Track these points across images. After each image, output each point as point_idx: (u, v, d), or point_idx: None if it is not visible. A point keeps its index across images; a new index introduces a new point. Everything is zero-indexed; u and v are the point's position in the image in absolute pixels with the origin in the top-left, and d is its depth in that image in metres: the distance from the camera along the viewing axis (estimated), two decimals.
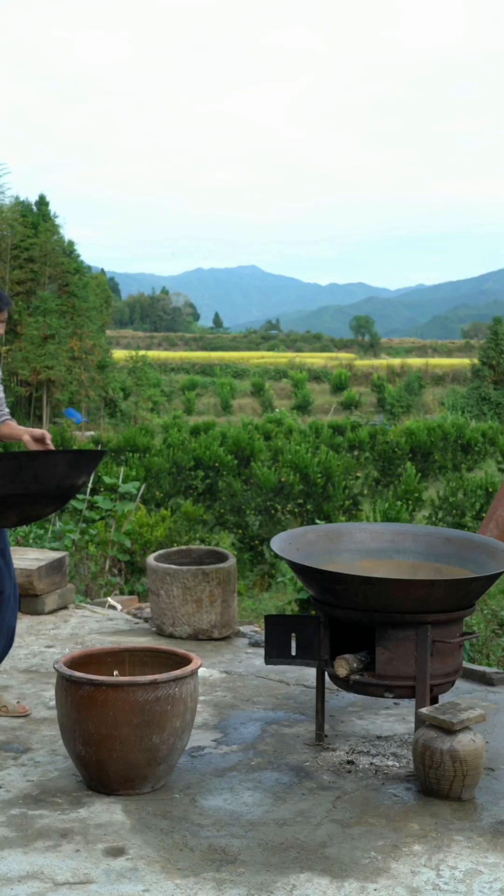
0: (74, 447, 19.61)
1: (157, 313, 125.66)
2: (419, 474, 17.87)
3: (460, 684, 4.72)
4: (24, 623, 5.74)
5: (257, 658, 5.21)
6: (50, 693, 4.54)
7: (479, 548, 4.06)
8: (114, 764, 3.28)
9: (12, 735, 3.97)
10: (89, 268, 49.11)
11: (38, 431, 4.01)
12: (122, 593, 7.83)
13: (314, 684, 4.20)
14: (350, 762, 3.70)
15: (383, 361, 66.26)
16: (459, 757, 3.28)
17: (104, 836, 3.01)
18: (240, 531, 14.33)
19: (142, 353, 51.90)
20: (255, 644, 5.48)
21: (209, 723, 4.16)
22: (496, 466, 23.54)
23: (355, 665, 3.63)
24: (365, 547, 4.25)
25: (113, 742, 3.25)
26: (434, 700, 3.84)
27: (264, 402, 51.23)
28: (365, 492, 19.20)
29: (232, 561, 5.57)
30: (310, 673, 4.81)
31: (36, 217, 43.80)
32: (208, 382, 56.73)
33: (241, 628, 5.78)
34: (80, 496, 8.89)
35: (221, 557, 5.67)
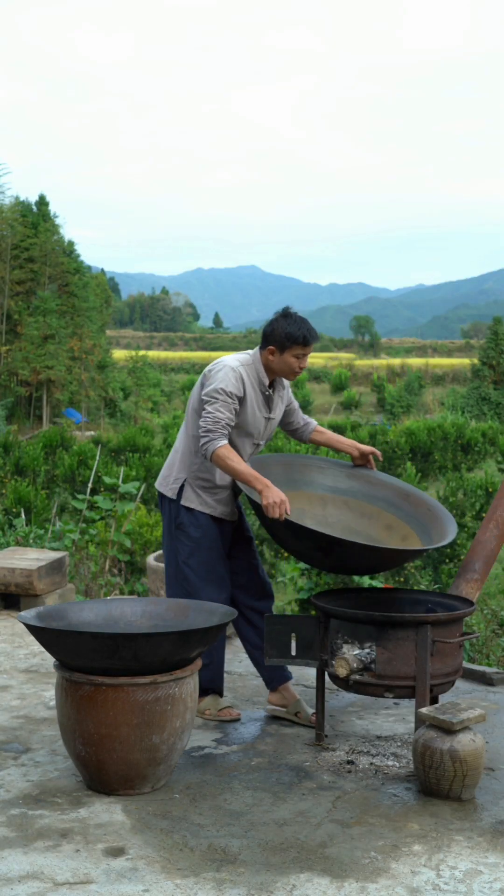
0: (74, 447, 19.57)
1: (157, 313, 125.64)
2: (419, 474, 17.84)
3: (460, 684, 4.72)
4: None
5: None
6: (50, 693, 4.54)
7: (432, 513, 4.30)
8: (114, 764, 3.28)
9: (12, 735, 3.97)
10: (89, 268, 49.11)
11: (366, 448, 4.45)
12: (122, 593, 7.83)
13: (314, 684, 4.20)
14: (350, 762, 3.70)
15: (383, 361, 66.24)
16: (459, 757, 3.28)
17: (104, 836, 3.01)
18: None
19: (142, 353, 51.87)
20: None
21: (209, 723, 4.15)
22: (496, 466, 23.53)
23: (355, 665, 3.63)
24: (327, 484, 4.44)
25: (113, 742, 3.25)
26: (434, 700, 3.84)
27: None
28: None
29: None
30: (310, 673, 4.81)
31: (36, 217, 43.79)
32: None
33: None
34: (79, 496, 8.88)
35: None
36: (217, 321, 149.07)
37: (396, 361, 63.86)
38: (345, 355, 76.18)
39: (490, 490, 14.65)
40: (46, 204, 44.74)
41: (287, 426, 4.43)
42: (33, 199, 45.57)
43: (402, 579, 11.33)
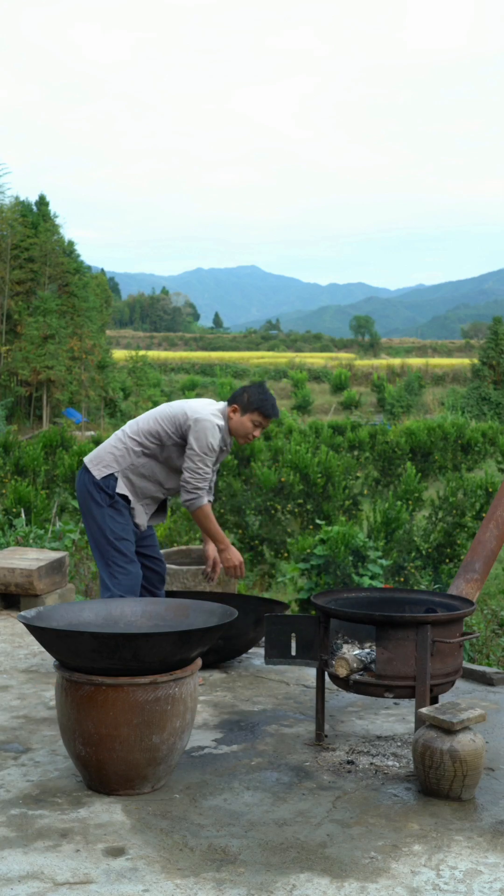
0: (74, 447, 19.55)
1: (157, 313, 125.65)
2: (419, 474, 17.84)
3: (460, 684, 4.73)
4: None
5: (257, 658, 5.21)
6: (50, 693, 4.54)
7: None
8: (114, 764, 3.28)
9: (12, 735, 3.97)
10: (89, 268, 49.10)
11: (212, 556, 4.86)
12: None
13: (314, 684, 4.20)
14: (350, 762, 3.70)
15: (383, 361, 66.23)
16: (459, 757, 3.28)
17: (104, 836, 3.01)
18: (239, 531, 14.33)
19: (142, 353, 51.85)
20: None
21: (209, 723, 4.16)
22: (496, 466, 23.53)
23: (355, 665, 3.63)
24: None
25: (113, 742, 3.25)
26: (434, 700, 3.84)
27: None
28: (365, 492, 19.18)
29: None
30: (310, 673, 4.81)
31: (36, 217, 43.78)
32: (208, 382, 56.70)
33: None
34: None
35: None
36: (217, 321, 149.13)
37: (396, 361, 63.85)
38: (345, 355, 76.20)
39: (490, 490, 14.65)
40: (46, 204, 44.73)
41: None
42: (33, 199, 45.58)
43: (402, 579, 11.34)
